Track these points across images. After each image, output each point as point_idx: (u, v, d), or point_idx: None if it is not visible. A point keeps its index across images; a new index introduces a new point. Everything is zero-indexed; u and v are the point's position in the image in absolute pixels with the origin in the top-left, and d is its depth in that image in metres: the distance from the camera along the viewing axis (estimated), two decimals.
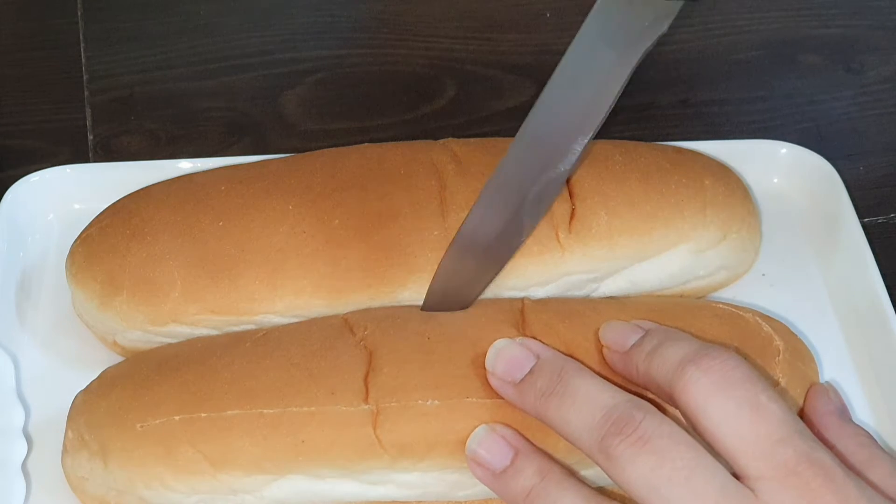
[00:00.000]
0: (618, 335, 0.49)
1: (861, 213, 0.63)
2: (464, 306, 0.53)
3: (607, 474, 0.43)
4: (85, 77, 0.76)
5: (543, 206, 0.53)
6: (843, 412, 0.51)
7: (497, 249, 0.53)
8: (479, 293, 0.54)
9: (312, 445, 0.48)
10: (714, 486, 0.41)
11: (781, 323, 0.55)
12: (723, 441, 0.42)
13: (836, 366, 0.58)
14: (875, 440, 0.49)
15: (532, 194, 0.51)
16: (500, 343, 0.49)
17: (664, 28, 0.46)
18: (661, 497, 0.41)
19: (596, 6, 0.46)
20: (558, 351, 0.49)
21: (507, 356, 0.48)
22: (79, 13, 0.81)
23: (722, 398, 0.42)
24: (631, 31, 0.46)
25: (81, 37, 0.79)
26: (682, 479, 0.41)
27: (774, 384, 0.50)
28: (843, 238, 0.62)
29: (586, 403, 0.44)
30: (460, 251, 0.53)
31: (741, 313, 0.53)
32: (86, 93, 0.75)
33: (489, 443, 0.47)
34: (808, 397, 0.51)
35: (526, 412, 0.47)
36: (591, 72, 0.47)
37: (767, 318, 0.54)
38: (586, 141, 0.49)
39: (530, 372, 0.47)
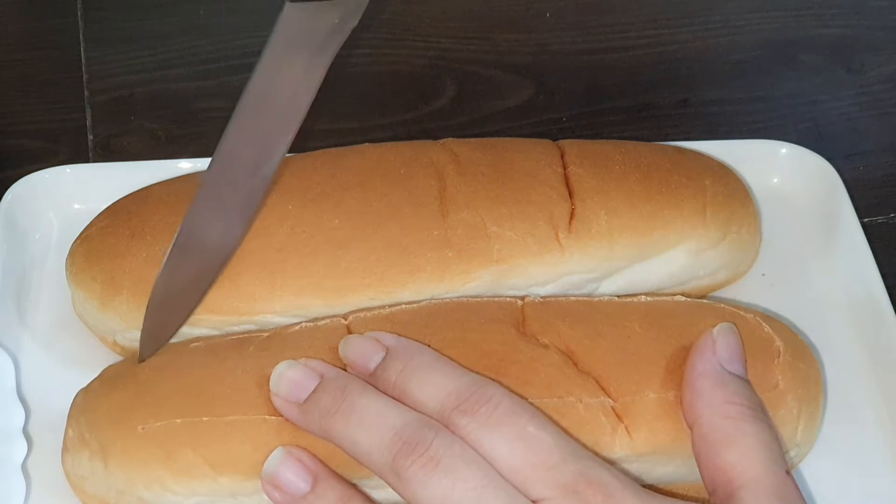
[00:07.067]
0: (357, 353, 0.48)
1: (861, 213, 0.63)
2: (184, 312, 0.53)
3: (399, 495, 0.44)
4: (85, 77, 0.76)
5: (251, 207, 0.52)
6: (721, 374, 0.47)
7: (215, 252, 0.52)
8: (200, 299, 0.53)
9: (314, 452, 0.47)
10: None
11: (782, 323, 0.55)
12: (504, 473, 0.43)
13: (836, 366, 0.58)
14: (750, 404, 0.46)
15: (240, 197, 0.51)
16: (282, 365, 0.48)
17: (355, 22, 0.46)
18: None
19: (280, 15, 0.45)
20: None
21: (289, 377, 0.47)
22: (79, 13, 0.81)
23: (492, 439, 0.43)
24: (320, 31, 0.46)
25: (81, 37, 0.79)
26: (473, 499, 0.42)
27: (774, 386, 0.50)
28: (843, 238, 0.62)
29: (375, 423, 0.44)
30: (181, 250, 0.51)
31: (742, 313, 0.53)
32: (86, 93, 0.75)
33: (288, 465, 0.46)
34: (689, 354, 0.48)
35: (312, 433, 0.47)
36: (286, 78, 0.47)
37: (768, 319, 0.54)
38: (288, 142, 0.49)
39: (314, 391, 0.47)
